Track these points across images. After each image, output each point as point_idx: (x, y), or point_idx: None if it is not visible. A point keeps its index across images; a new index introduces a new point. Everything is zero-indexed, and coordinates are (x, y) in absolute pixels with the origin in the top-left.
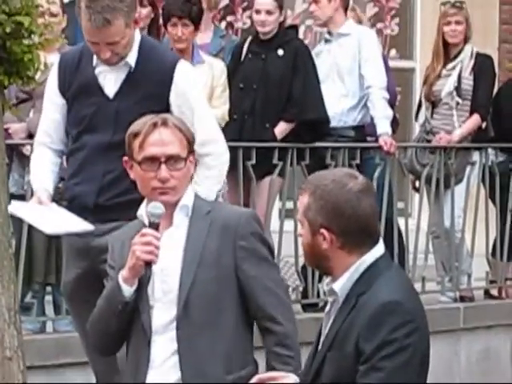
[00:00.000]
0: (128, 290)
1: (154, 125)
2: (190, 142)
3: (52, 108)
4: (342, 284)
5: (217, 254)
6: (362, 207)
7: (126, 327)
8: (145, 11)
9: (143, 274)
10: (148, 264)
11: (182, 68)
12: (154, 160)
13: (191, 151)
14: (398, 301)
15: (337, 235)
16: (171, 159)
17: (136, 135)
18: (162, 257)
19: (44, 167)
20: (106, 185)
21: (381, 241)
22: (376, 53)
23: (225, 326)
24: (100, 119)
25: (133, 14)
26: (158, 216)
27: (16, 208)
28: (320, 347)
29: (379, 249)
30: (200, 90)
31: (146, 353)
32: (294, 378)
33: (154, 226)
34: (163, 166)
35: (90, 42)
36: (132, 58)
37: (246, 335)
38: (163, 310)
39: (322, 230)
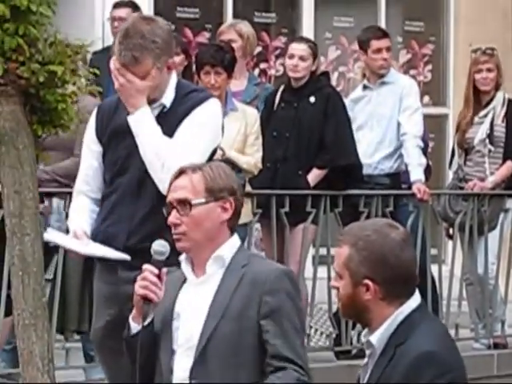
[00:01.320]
0: (134, 327)
1: (181, 172)
2: (214, 189)
3: (90, 155)
4: (379, 336)
5: (242, 306)
6: (404, 256)
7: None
8: (177, 59)
9: (148, 313)
10: (146, 300)
11: (211, 102)
12: (170, 205)
13: (216, 199)
14: (436, 351)
15: (380, 286)
16: (181, 204)
17: None
18: (191, 305)
19: (82, 214)
20: (135, 226)
21: (417, 291)
22: (417, 104)
23: (241, 380)
24: (132, 161)
25: (164, 58)
26: (161, 254)
27: (52, 236)
28: None
29: (415, 299)
30: (209, 125)
31: None
32: None
33: (156, 264)
34: (173, 212)
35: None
36: (167, 100)
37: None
38: (184, 357)
39: (366, 281)
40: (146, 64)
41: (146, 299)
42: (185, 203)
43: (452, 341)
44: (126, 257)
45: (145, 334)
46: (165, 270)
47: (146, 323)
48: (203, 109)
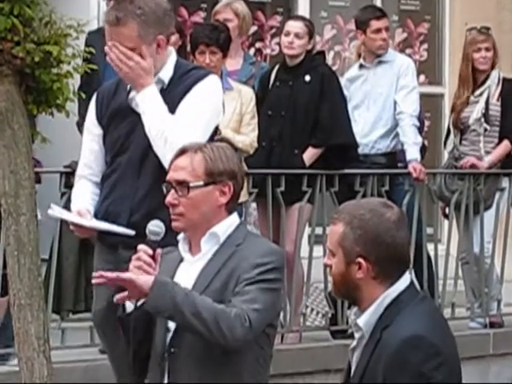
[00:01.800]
0: (130, 307)
1: (183, 151)
2: (213, 172)
3: (91, 139)
4: (366, 319)
5: (226, 279)
6: (399, 237)
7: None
8: (172, 38)
9: None
10: None
11: (210, 78)
12: (169, 184)
13: (215, 182)
14: (421, 335)
15: (373, 264)
16: (179, 185)
17: None
18: (186, 282)
19: (85, 196)
20: (137, 203)
21: (407, 273)
22: (414, 83)
23: (214, 354)
24: (132, 139)
25: (152, 30)
26: (156, 234)
27: (56, 211)
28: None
29: (404, 281)
30: (209, 102)
31: (157, 372)
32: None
33: (151, 244)
34: (171, 191)
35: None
36: (166, 75)
37: (239, 365)
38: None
39: (359, 259)
40: (129, 28)
41: None
42: (183, 185)
43: (441, 322)
44: (129, 232)
45: (139, 313)
46: (159, 250)
47: (140, 303)
48: (204, 85)
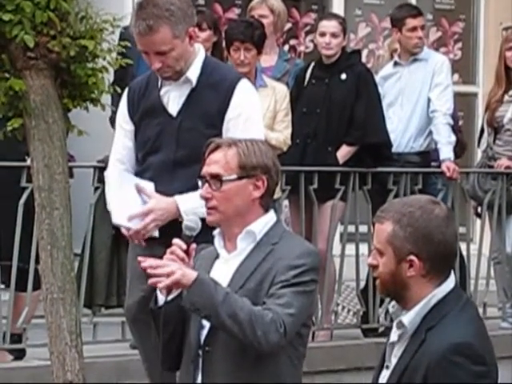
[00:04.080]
0: (161, 300)
1: (217, 146)
2: (247, 166)
3: (123, 134)
4: (411, 318)
5: (261, 278)
6: (449, 233)
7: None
8: (204, 35)
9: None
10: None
11: (243, 86)
12: (203, 179)
13: (248, 176)
14: (470, 342)
15: (424, 262)
16: (213, 179)
17: None
18: (222, 279)
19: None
20: None
21: (452, 274)
22: (448, 81)
23: (249, 355)
24: (164, 138)
25: (182, 27)
26: (191, 229)
27: (123, 176)
28: (388, 378)
29: (450, 282)
30: (257, 113)
31: (191, 370)
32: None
33: (186, 239)
34: (205, 185)
35: (142, 52)
36: (193, 74)
37: (274, 366)
38: (213, 330)
39: (412, 257)
40: (163, 32)
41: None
42: (216, 178)
43: (485, 330)
44: (154, 234)
45: (171, 307)
46: (194, 245)
47: (171, 297)
48: (240, 99)
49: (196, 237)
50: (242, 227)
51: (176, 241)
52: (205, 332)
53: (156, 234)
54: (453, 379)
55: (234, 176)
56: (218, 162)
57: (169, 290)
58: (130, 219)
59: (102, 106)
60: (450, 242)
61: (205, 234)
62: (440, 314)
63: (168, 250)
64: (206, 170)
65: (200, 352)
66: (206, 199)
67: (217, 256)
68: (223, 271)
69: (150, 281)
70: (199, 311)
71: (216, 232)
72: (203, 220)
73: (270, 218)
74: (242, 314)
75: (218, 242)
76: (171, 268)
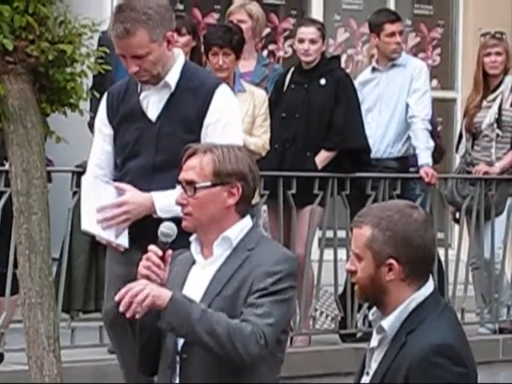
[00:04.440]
0: None
1: (193, 152)
2: (221, 173)
3: (102, 138)
4: (391, 322)
5: (238, 286)
6: (428, 237)
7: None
8: (183, 40)
9: None
10: (148, 280)
11: (222, 91)
12: (180, 184)
13: (223, 183)
14: (451, 344)
15: (403, 266)
16: (188, 185)
17: None
18: (198, 285)
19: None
20: None
21: (431, 279)
22: (427, 87)
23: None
24: (143, 143)
25: (160, 31)
26: (167, 236)
27: (87, 183)
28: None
29: (429, 287)
30: (235, 119)
31: (168, 375)
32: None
33: (161, 245)
34: (181, 191)
35: (119, 55)
36: (172, 79)
37: (252, 373)
38: None
39: (391, 261)
40: (140, 36)
41: (148, 279)
42: (191, 185)
43: (464, 334)
44: (124, 245)
45: (150, 313)
46: (169, 252)
47: None
48: (219, 104)
49: (172, 242)
50: (217, 233)
51: (152, 247)
52: (181, 339)
53: (126, 244)
54: (434, 380)
55: (208, 183)
56: (193, 168)
57: None
58: (101, 210)
59: (80, 111)
60: (429, 245)
61: (181, 240)
62: (420, 317)
63: (144, 257)
64: (182, 175)
65: (177, 358)
66: (182, 205)
67: (193, 262)
68: (200, 277)
69: (128, 314)
70: (175, 330)
71: (192, 238)
72: (179, 226)
73: (246, 223)
74: (220, 329)
75: (194, 247)
76: (144, 293)
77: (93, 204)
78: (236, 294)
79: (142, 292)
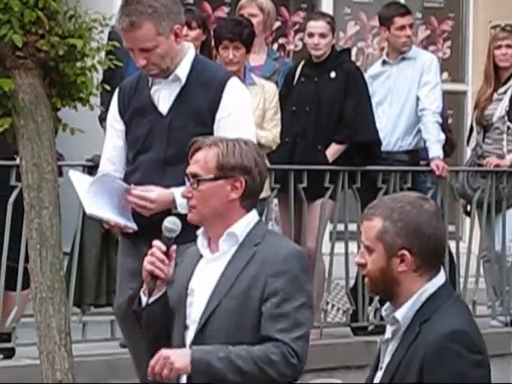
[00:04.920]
0: (144, 300)
1: (199, 146)
2: (225, 167)
3: (114, 134)
4: (404, 313)
5: (247, 285)
6: (439, 227)
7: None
8: (193, 33)
9: (154, 288)
10: (153, 276)
11: (233, 84)
12: (187, 177)
13: (226, 177)
14: (465, 330)
15: (415, 256)
16: (193, 178)
17: None
18: (203, 281)
19: None
20: None
21: (442, 270)
22: (437, 79)
23: None
24: (154, 137)
25: (166, 24)
26: (171, 231)
27: (75, 178)
28: (381, 376)
29: (441, 277)
30: (247, 111)
31: None
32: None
33: (166, 240)
34: (187, 183)
35: (128, 48)
36: (183, 72)
37: None
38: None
39: (403, 252)
40: (146, 29)
41: (152, 275)
42: (195, 178)
43: (475, 322)
44: (132, 226)
45: (154, 309)
46: (174, 247)
47: (153, 299)
48: (230, 98)
49: (178, 236)
50: (223, 228)
51: (156, 242)
52: (188, 333)
53: (135, 226)
54: (449, 367)
55: (211, 176)
56: (198, 161)
57: (150, 292)
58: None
59: (91, 106)
60: (440, 236)
61: (188, 234)
62: (433, 307)
63: (148, 252)
64: (188, 169)
65: None
66: (187, 198)
67: (200, 256)
68: (207, 272)
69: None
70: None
71: (199, 232)
72: (186, 220)
73: (252, 217)
74: (248, 366)
75: (200, 241)
76: (166, 371)
77: (97, 192)
78: (246, 294)
79: (164, 370)
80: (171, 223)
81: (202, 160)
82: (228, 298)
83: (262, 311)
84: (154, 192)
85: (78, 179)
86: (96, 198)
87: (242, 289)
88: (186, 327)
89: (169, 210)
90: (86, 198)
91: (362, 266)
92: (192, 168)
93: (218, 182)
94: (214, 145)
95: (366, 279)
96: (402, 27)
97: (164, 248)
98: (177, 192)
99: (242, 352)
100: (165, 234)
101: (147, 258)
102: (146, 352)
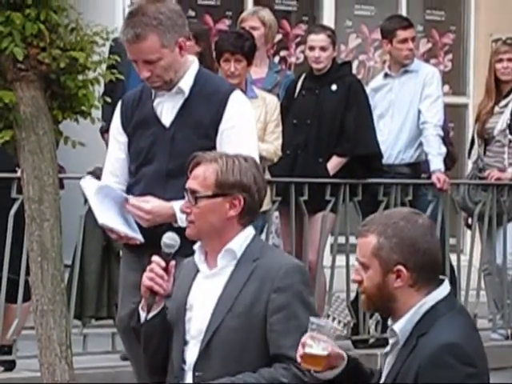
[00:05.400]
0: (143, 316)
1: (199, 161)
2: (223, 184)
3: (116, 147)
4: (402, 325)
5: (250, 302)
6: (434, 242)
7: (156, 358)
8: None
9: (153, 304)
10: (152, 292)
11: (236, 98)
12: (186, 192)
13: (225, 194)
14: (458, 343)
15: (411, 272)
16: (191, 194)
17: None
18: (202, 296)
19: None
20: None
21: (446, 282)
22: (439, 92)
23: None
24: (157, 149)
25: (171, 36)
26: (170, 246)
27: (86, 185)
28: None
29: (443, 290)
30: (251, 124)
31: None
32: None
33: (165, 256)
34: (186, 198)
35: (132, 60)
36: (186, 85)
37: None
38: (196, 348)
39: (399, 267)
40: (151, 41)
41: (151, 291)
42: (193, 194)
43: (477, 336)
44: (139, 238)
45: (153, 324)
46: (173, 262)
47: (152, 315)
48: (234, 111)
49: (179, 250)
50: (220, 244)
51: (155, 258)
52: (188, 348)
53: (141, 238)
54: (441, 380)
55: (209, 193)
56: (197, 177)
57: (149, 308)
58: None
59: (92, 119)
60: (435, 250)
61: (185, 248)
62: (431, 320)
63: (148, 268)
64: (187, 184)
65: (190, 374)
66: (186, 213)
67: (197, 270)
68: (206, 288)
69: None
70: None
71: (196, 246)
72: (183, 235)
73: (249, 233)
74: None
75: (198, 256)
76: None
77: (108, 203)
78: (249, 310)
79: None
80: (170, 239)
81: (202, 176)
82: (231, 314)
83: (268, 328)
84: (149, 203)
85: (91, 186)
86: (104, 207)
87: (245, 305)
88: (185, 342)
89: (171, 228)
90: (98, 208)
91: (358, 282)
92: (191, 184)
93: (216, 199)
94: (213, 161)
95: (363, 296)
96: (405, 40)
97: (163, 264)
98: (176, 206)
99: (250, 379)
100: (164, 250)
101: (146, 274)
102: (145, 367)
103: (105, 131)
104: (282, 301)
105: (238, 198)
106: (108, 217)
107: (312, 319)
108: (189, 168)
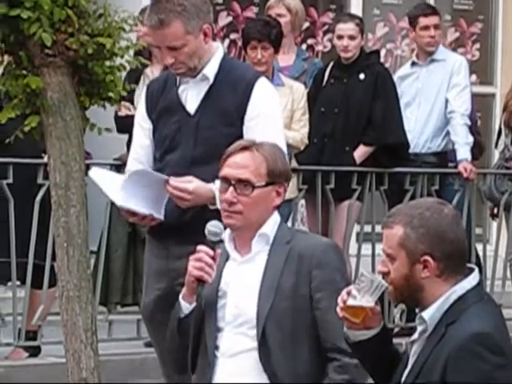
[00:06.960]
0: (186, 307)
1: (242, 148)
2: (274, 173)
3: (141, 133)
4: (431, 313)
5: (293, 284)
6: (460, 231)
7: (191, 345)
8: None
9: (201, 294)
10: (200, 281)
11: (262, 85)
12: (226, 181)
13: (274, 183)
14: (489, 332)
15: (438, 262)
16: (241, 183)
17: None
18: (238, 283)
19: None
20: None
21: (476, 272)
22: (466, 81)
23: (300, 360)
24: (181, 136)
25: (195, 23)
26: (215, 234)
27: (96, 174)
28: (406, 376)
29: (473, 279)
30: (276, 112)
31: (208, 375)
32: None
33: (210, 244)
34: (231, 189)
35: (155, 46)
36: (211, 72)
37: (319, 369)
38: (232, 334)
39: (426, 257)
40: (175, 27)
41: (200, 280)
42: (246, 184)
43: (505, 326)
44: (159, 216)
45: (194, 313)
46: (219, 250)
47: (193, 306)
48: (259, 98)
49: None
50: (255, 230)
51: (202, 247)
52: (222, 335)
53: (161, 217)
54: (471, 369)
55: (263, 183)
56: (247, 166)
57: (197, 297)
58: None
59: (118, 104)
60: (462, 239)
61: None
62: (461, 309)
63: (193, 257)
64: (232, 173)
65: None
66: (231, 203)
67: (227, 258)
68: (240, 274)
69: None
70: None
71: (226, 234)
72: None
73: (276, 217)
74: None
75: (228, 244)
76: None
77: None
78: (295, 290)
79: None
80: (215, 227)
81: (253, 165)
82: (278, 298)
83: (313, 306)
84: (193, 183)
85: (100, 176)
86: (130, 191)
87: (289, 288)
88: (218, 329)
89: (200, 207)
90: (113, 192)
91: (385, 274)
92: (241, 173)
93: (267, 188)
94: (256, 149)
95: (390, 287)
96: (426, 27)
97: (212, 253)
98: (215, 188)
99: None
100: (210, 239)
101: (193, 264)
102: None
103: (118, 118)
104: (324, 277)
105: (283, 186)
106: (124, 198)
107: (363, 271)
108: (225, 155)
